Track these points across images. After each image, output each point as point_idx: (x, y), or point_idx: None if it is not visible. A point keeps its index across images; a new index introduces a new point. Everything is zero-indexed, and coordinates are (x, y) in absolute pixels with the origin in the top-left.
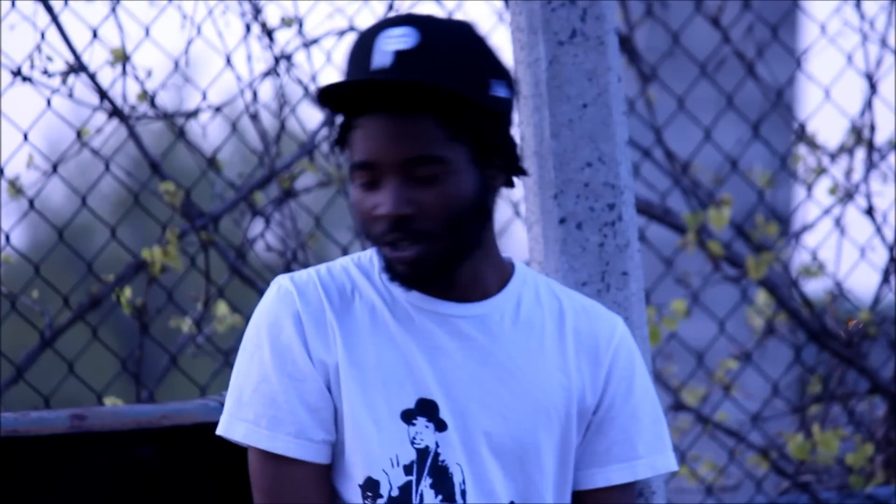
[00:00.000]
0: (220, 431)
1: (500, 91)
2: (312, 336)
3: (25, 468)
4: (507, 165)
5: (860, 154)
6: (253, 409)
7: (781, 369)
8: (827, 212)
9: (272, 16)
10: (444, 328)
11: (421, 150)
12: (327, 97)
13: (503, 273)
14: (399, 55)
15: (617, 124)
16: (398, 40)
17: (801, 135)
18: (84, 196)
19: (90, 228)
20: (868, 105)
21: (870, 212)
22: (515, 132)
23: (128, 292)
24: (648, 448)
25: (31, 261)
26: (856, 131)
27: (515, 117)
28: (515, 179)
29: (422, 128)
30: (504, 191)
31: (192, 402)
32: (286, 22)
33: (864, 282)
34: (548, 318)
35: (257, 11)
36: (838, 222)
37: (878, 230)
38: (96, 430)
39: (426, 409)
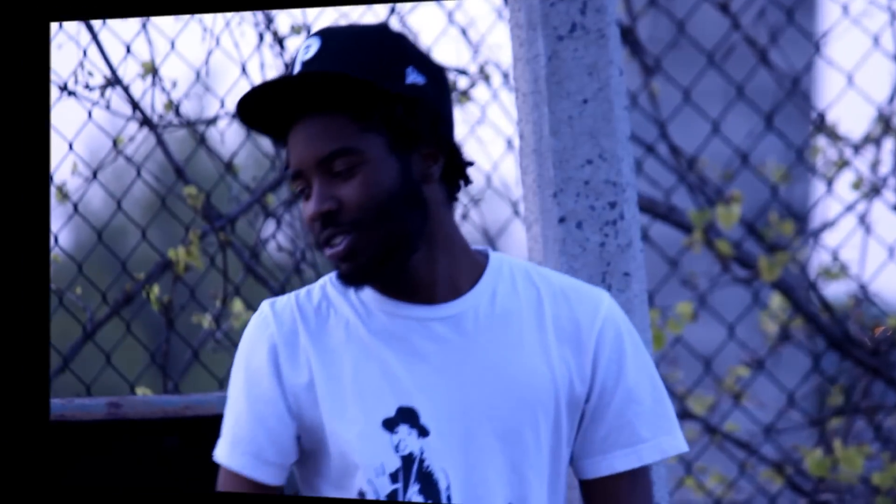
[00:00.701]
0: None
1: (418, 79)
2: (285, 360)
3: (67, 450)
4: (438, 154)
5: (888, 145)
6: (225, 427)
7: (797, 378)
8: (850, 208)
9: (283, 24)
10: (419, 333)
11: (332, 145)
12: (251, 125)
13: (475, 268)
14: (303, 64)
15: (618, 119)
16: (304, 53)
17: (821, 125)
18: (119, 200)
19: (124, 230)
20: None
21: None
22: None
23: (156, 290)
24: (652, 430)
25: (75, 260)
26: (883, 119)
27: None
28: (511, 178)
29: (331, 124)
30: (502, 189)
31: (212, 394)
32: (296, 29)
33: (891, 284)
34: (525, 308)
35: (269, 21)
36: (863, 219)
37: None
38: (129, 418)
39: (407, 417)
